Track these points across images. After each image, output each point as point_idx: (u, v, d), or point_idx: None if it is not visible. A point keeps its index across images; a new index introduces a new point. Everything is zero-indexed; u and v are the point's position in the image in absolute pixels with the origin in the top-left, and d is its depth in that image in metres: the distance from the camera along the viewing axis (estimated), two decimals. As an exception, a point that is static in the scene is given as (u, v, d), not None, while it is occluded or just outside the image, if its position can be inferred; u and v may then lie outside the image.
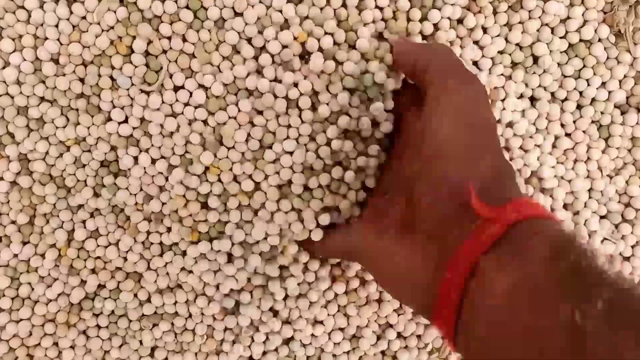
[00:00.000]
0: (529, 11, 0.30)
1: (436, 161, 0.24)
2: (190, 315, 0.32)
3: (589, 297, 0.17)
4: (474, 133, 0.24)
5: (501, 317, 0.19)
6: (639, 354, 0.16)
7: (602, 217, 0.33)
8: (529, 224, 0.21)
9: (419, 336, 0.34)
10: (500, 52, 0.31)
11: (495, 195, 0.22)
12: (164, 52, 0.28)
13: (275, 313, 0.32)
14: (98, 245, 0.30)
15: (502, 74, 0.31)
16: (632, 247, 0.33)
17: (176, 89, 0.28)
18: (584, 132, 0.32)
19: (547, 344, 0.17)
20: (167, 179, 0.29)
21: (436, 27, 0.30)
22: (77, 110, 0.29)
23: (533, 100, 0.32)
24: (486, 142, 0.24)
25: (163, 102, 0.28)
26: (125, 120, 0.29)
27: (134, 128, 0.29)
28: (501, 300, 0.19)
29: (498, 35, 0.31)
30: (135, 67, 0.28)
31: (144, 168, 0.29)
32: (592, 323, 0.17)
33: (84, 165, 0.29)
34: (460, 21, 0.30)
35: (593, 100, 0.32)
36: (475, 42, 0.31)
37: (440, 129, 0.24)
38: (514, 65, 0.31)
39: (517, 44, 0.31)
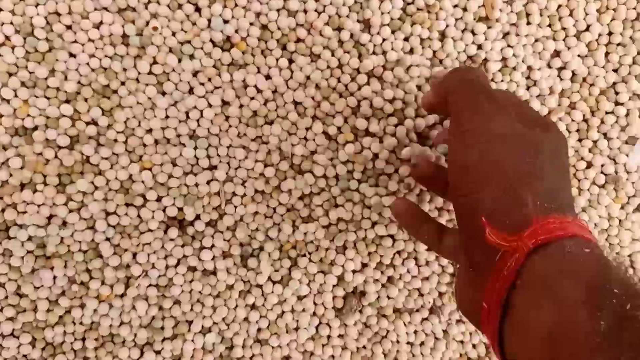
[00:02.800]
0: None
1: (466, 190, 0.23)
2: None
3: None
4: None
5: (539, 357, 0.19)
6: None
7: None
8: (554, 250, 0.19)
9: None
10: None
11: (511, 217, 0.21)
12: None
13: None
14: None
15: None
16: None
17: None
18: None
19: None
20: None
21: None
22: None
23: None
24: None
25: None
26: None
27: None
28: (538, 343, 0.18)
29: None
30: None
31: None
32: None
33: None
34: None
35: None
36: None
37: (464, 156, 0.24)
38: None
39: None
